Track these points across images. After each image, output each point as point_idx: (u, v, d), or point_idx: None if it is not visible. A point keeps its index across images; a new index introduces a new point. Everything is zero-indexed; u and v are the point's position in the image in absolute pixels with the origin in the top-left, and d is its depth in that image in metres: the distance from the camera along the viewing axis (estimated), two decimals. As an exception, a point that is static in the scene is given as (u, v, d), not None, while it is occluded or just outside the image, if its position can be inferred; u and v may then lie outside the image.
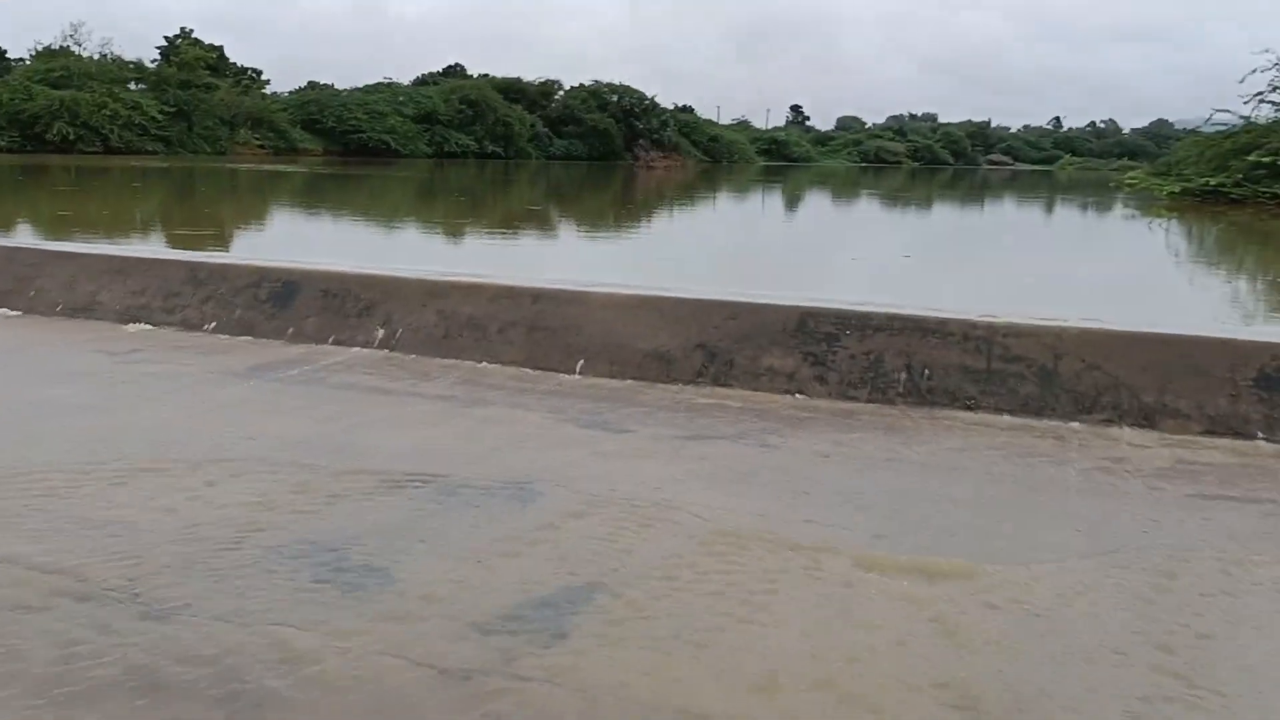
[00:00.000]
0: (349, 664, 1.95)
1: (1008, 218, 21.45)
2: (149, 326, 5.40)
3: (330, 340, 5.11)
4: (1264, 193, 20.71)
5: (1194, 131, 28.70)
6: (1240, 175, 20.93)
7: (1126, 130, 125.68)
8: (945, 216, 20.89)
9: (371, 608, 2.19)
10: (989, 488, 3.18)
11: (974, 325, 4.37)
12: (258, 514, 2.71)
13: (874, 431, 3.82)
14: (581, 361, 4.71)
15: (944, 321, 4.41)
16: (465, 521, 2.74)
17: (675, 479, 3.14)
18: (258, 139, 48.21)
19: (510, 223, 14.38)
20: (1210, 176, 21.55)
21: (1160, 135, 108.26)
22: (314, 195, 19.45)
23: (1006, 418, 4.08)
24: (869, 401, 4.28)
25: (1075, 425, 3.98)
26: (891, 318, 4.47)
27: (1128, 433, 3.91)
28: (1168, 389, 4.05)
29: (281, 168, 33.48)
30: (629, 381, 4.53)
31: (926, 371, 4.32)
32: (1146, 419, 4.00)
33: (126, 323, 5.47)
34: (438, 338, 5.00)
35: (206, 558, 2.41)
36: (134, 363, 4.56)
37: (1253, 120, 22.82)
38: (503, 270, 6.02)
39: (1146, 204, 22.94)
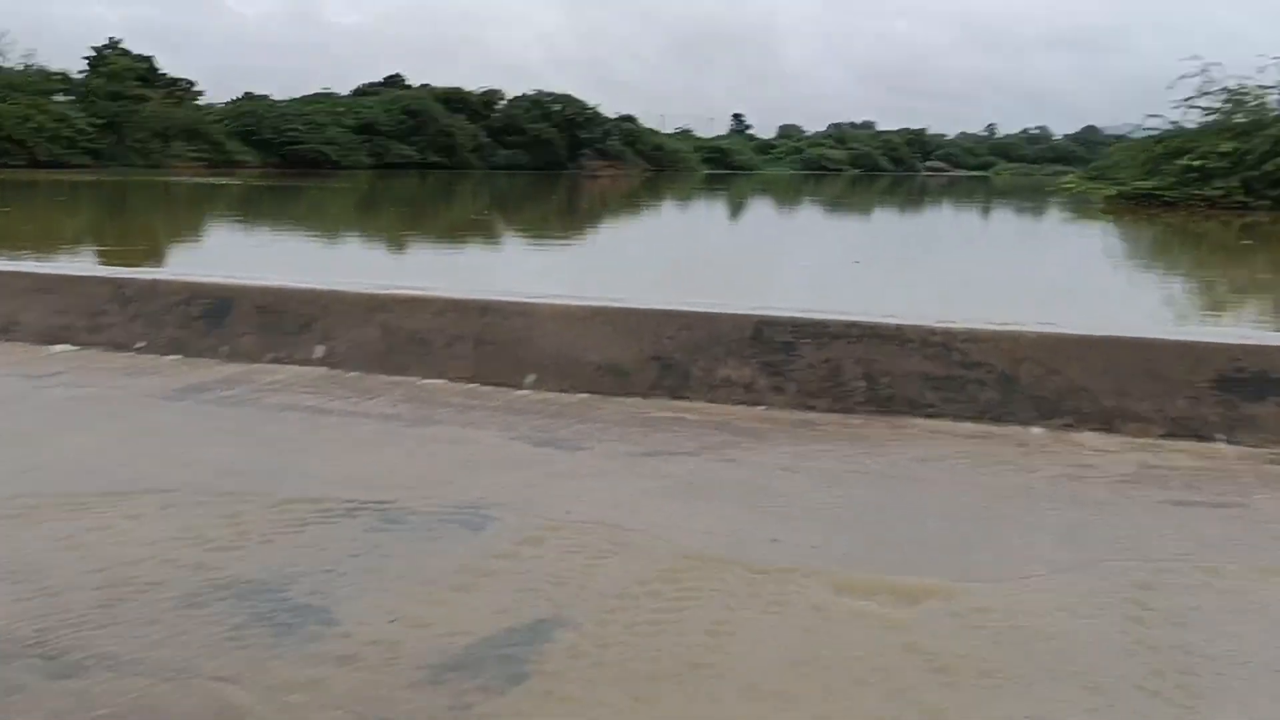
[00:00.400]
0: None
1: (954, 223, 21.69)
2: (73, 347, 5.13)
3: (267, 358, 4.89)
4: (1195, 195, 21.17)
5: (1122, 138, 29.28)
6: (1173, 179, 21.38)
7: (1058, 136, 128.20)
8: (891, 222, 21.07)
9: (314, 654, 2.01)
10: (957, 498, 3.07)
11: (932, 331, 4.28)
12: (186, 551, 2.52)
13: (836, 442, 3.71)
14: (532, 376, 4.54)
15: (901, 328, 4.32)
16: (414, 552, 2.57)
17: (634, 499, 2.99)
18: (192, 151, 47.27)
19: (455, 234, 14.16)
20: (1144, 180, 21.97)
21: (1090, 141, 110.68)
22: (250, 209, 19.04)
23: (968, 425, 3.99)
24: (829, 411, 4.17)
25: (1037, 431, 3.91)
26: (849, 325, 4.37)
27: (1090, 437, 3.84)
28: (1127, 392, 3.99)
29: (216, 181, 32.85)
30: (582, 395, 4.38)
31: (886, 379, 4.22)
32: (1107, 423, 3.94)
33: (49, 344, 5.19)
34: (381, 353, 4.81)
35: (129, 603, 2.21)
36: (55, 386, 4.31)
37: (1182, 125, 23.32)
38: (449, 282, 5.84)
39: (1085, 208, 23.31)
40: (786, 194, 35.58)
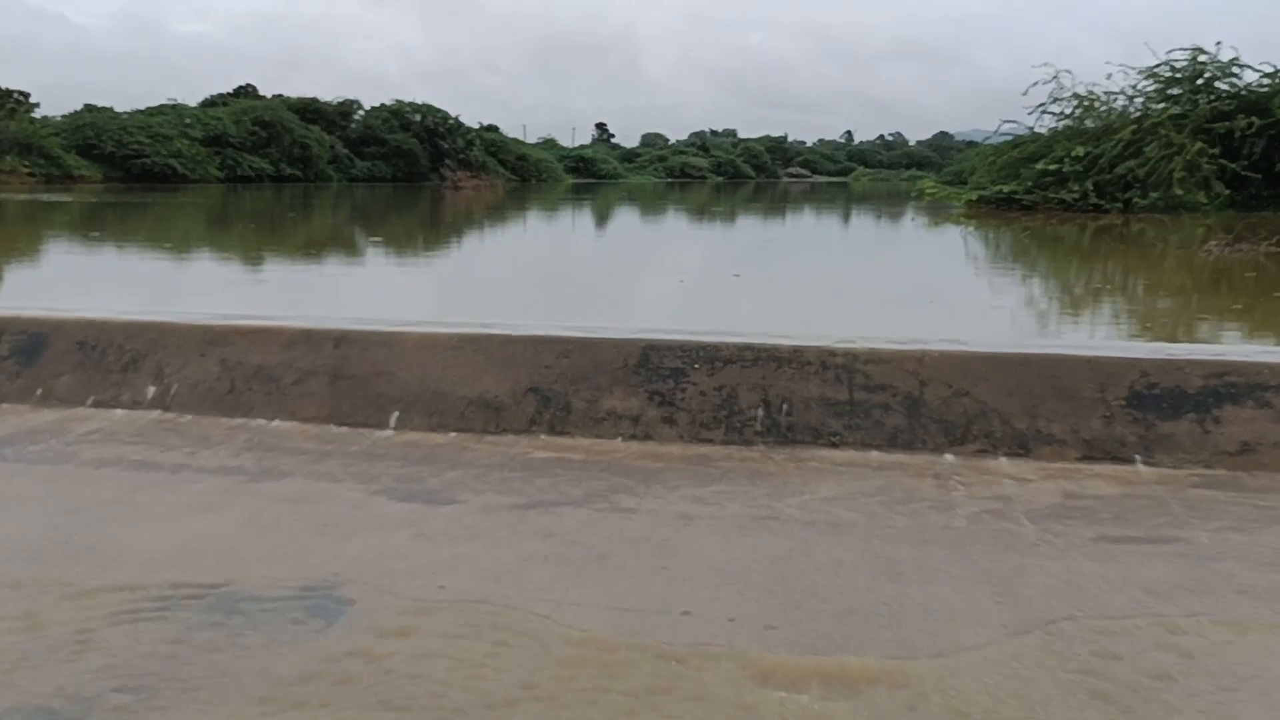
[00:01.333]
0: None
1: (823, 230, 21.78)
2: None
3: (89, 401, 4.28)
4: (1052, 198, 21.84)
5: (973, 143, 30.17)
6: (1030, 183, 22.01)
7: (913, 143, 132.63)
8: (763, 230, 20.99)
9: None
10: (880, 546, 2.76)
11: (832, 353, 3.99)
12: (-48, 674, 1.99)
13: (737, 482, 3.36)
14: (396, 414, 4.07)
15: (800, 350, 4.02)
16: (251, 653, 2.09)
17: (518, 566, 2.58)
18: (26, 166, 44.44)
19: (308, 252, 13.38)
20: (1003, 184, 22.57)
21: (943, 146, 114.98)
22: (78, 228, 17.65)
23: (876, 454, 3.70)
24: (725, 443, 3.83)
25: (950, 459, 3.65)
26: (743, 348, 4.04)
27: (1005, 464, 3.60)
28: (1039, 413, 3.77)
29: (47, 197, 30.80)
30: (453, 435, 3.93)
31: (785, 406, 3.91)
32: (1022, 447, 3.71)
33: None
34: (221, 393, 4.26)
35: None
36: None
37: (1036, 130, 24.07)
38: (300, 309, 5.30)
39: (945, 212, 23.82)
40: (653, 202, 35.43)
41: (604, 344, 4.14)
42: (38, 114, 52.34)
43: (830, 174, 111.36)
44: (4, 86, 52.25)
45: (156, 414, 4.18)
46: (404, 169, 60.42)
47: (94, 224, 19.20)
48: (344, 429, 4.00)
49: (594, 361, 4.09)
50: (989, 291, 9.46)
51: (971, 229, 18.55)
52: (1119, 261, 12.23)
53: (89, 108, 54.44)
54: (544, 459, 3.62)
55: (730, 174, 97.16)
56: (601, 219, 24.42)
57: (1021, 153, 23.31)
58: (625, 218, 25.77)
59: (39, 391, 4.35)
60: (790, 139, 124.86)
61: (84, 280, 9.24)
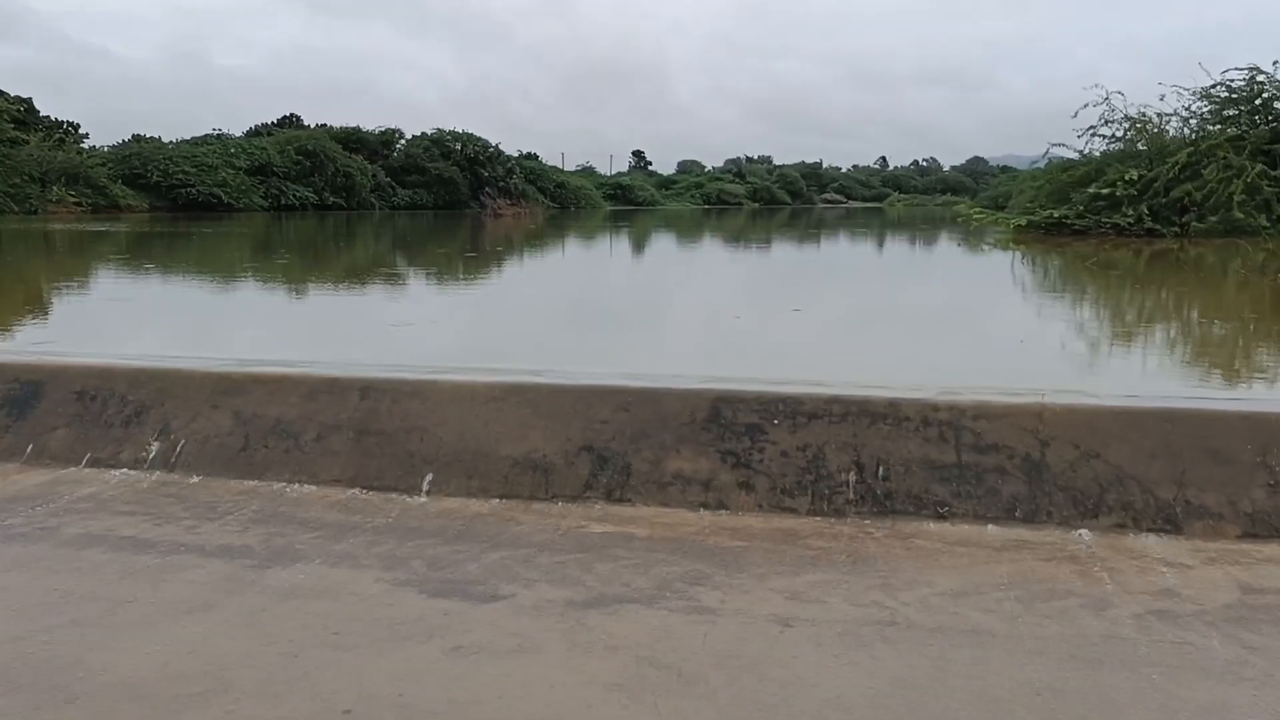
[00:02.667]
0: None
1: (873, 257, 21.04)
2: None
3: (85, 460, 3.80)
4: (1105, 223, 21.02)
5: (1008, 168, 29.20)
6: (1082, 207, 21.21)
7: (946, 168, 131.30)
8: (812, 258, 20.31)
9: None
10: (1035, 668, 2.18)
11: (934, 407, 3.41)
12: None
13: (837, 568, 2.79)
14: (430, 476, 3.54)
15: (895, 403, 3.44)
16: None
17: (579, 697, 2.02)
18: (73, 196, 44.80)
19: (343, 283, 12.95)
20: (1054, 209, 21.78)
21: (977, 172, 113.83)
22: (103, 259, 17.35)
23: (994, 529, 3.12)
24: (812, 514, 3.26)
25: (1085, 536, 3.06)
26: (829, 401, 3.47)
27: (1153, 543, 3.00)
28: (1187, 481, 3.17)
29: (86, 226, 30.87)
30: (495, 502, 3.40)
31: (881, 469, 3.34)
32: (1169, 522, 3.11)
33: None
34: (234, 451, 3.76)
35: None
36: None
37: (1087, 154, 23.27)
38: (324, 352, 4.80)
39: (991, 237, 23.07)
40: (692, 229, 34.87)
41: (668, 395, 3.59)
42: (86, 144, 52.96)
43: (865, 199, 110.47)
44: (55, 118, 52.95)
45: (158, 475, 3.69)
46: (445, 196, 60.45)
47: (144, 252, 18.95)
48: (370, 495, 3.48)
49: (657, 416, 3.54)
50: (1081, 328, 8.63)
51: (1023, 254, 17.80)
52: (1213, 293, 11.15)
53: (136, 138, 55.03)
54: (602, 534, 3.07)
55: (766, 200, 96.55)
56: (639, 246, 23.92)
57: (1071, 176, 22.47)
58: (665, 245, 25.25)
59: (30, 448, 3.87)
60: (825, 165, 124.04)
61: (99, 319, 8.79)
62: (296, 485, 3.57)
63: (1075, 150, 24.14)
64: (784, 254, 21.64)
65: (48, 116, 52.93)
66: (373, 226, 33.65)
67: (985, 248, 20.73)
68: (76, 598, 2.54)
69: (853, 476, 3.33)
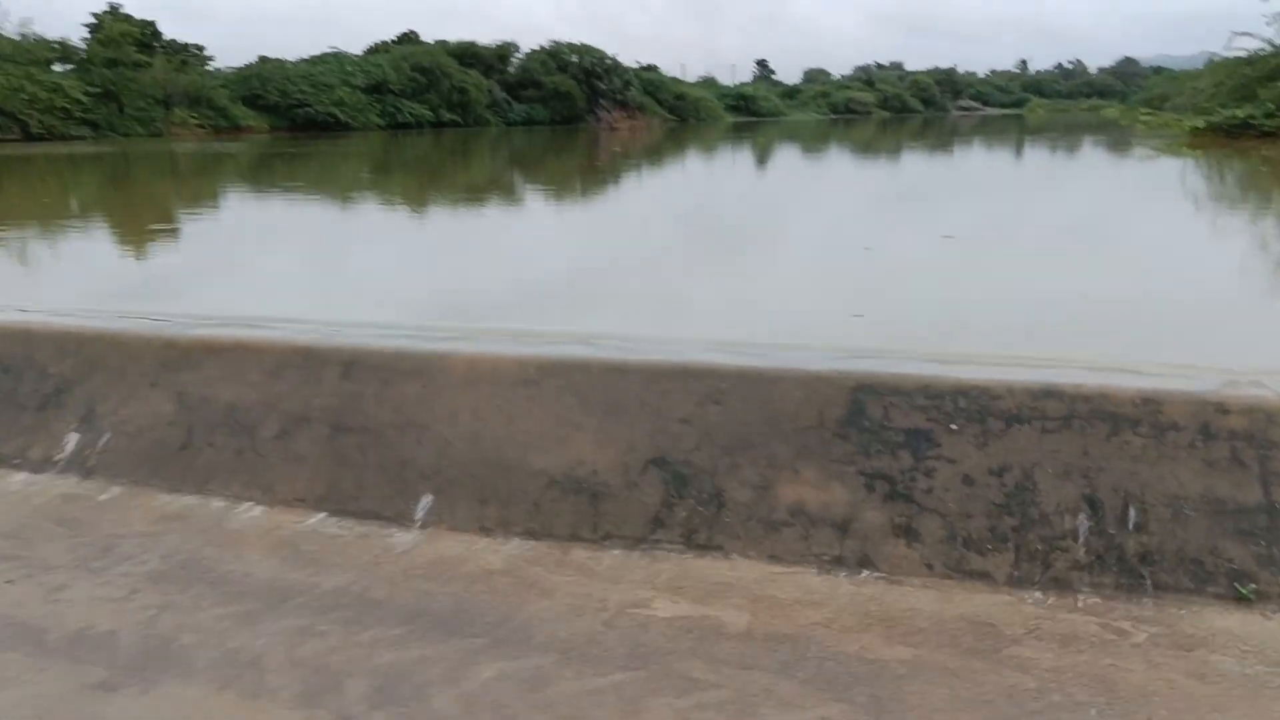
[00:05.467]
0: None
1: (1026, 169, 18.75)
2: None
3: (-18, 459, 2.78)
4: (1300, 124, 18.43)
5: (1162, 69, 26.14)
6: (1271, 105, 18.61)
7: (1093, 70, 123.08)
8: (956, 171, 18.19)
9: None
10: None
11: (1221, 407, 2.08)
12: None
13: (1079, 709, 1.54)
14: (426, 500, 2.40)
15: (1153, 400, 2.12)
16: None
17: None
18: (195, 118, 45.19)
19: (409, 202, 11.82)
20: (1237, 109, 19.22)
21: (1128, 73, 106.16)
22: (170, 181, 16.56)
23: (1343, 631, 1.81)
24: (1016, 584, 2.00)
25: None
26: (1041, 393, 2.17)
27: None
28: None
29: (194, 147, 30.76)
30: (515, 545, 2.24)
31: (1134, 512, 2.04)
32: None
33: None
34: (171, 449, 2.68)
35: None
36: None
37: (1277, 43, 20.45)
38: (322, 301, 3.68)
39: (1163, 144, 20.56)
40: (817, 141, 32.59)
41: (783, 380, 2.33)
42: (210, 67, 53.39)
43: (1002, 106, 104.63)
44: (181, 40, 53.43)
45: (68, 483, 2.64)
46: (561, 111, 59.21)
47: (204, 174, 18.23)
48: (341, 525, 2.36)
49: (765, 413, 2.30)
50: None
51: (1209, 162, 15.53)
52: None
53: (262, 59, 55.26)
54: (670, 624, 1.88)
55: (897, 108, 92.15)
56: (761, 160, 22.22)
57: (1258, 70, 19.77)
58: (786, 158, 23.45)
59: (-84, 441, 2.87)
60: (960, 70, 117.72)
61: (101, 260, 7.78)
62: (244, 506, 2.48)
63: (1265, 40, 21.22)
64: (923, 166, 19.62)
65: (172, 40, 53.46)
66: (472, 145, 32.55)
67: (1156, 154, 18.38)
68: None
69: (1085, 523, 2.05)
